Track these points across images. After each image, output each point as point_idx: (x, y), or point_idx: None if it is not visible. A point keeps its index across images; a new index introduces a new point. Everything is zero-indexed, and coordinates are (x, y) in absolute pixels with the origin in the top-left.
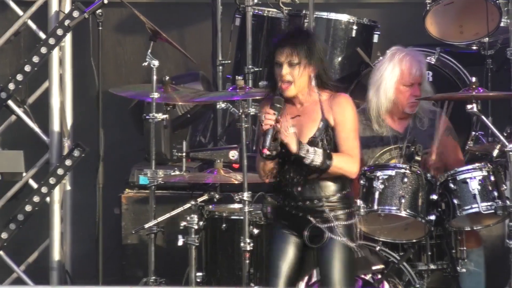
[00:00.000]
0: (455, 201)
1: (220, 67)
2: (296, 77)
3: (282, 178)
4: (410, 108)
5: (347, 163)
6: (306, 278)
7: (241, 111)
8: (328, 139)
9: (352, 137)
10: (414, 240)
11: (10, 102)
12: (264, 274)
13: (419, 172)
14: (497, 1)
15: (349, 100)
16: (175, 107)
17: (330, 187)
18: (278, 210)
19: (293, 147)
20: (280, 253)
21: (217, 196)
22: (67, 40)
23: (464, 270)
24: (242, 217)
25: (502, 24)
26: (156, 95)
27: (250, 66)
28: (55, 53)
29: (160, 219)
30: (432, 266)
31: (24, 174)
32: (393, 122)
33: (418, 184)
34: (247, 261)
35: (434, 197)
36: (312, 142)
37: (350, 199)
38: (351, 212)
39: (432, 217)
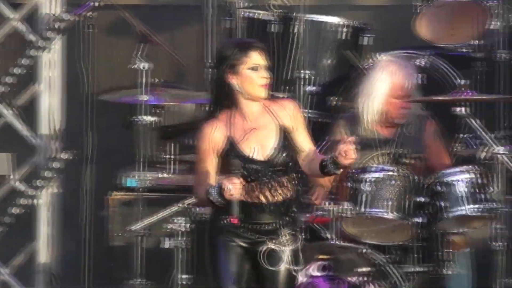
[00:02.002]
0: (442, 204)
1: (210, 70)
2: (269, 79)
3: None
4: (400, 119)
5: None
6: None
7: None
8: (288, 145)
9: (308, 135)
10: (401, 242)
11: None
12: None
13: (406, 174)
14: (488, 4)
15: (293, 101)
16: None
17: (280, 210)
18: (235, 229)
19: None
20: (234, 271)
21: None
22: (58, 43)
23: (450, 272)
24: None
25: (492, 27)
26: (145, 97)
27: None
28: (45, 55)
29: (147, 221)
30: (418, 268)
31: (11, 176)
32: (381, 128)
33: (405, 187)
34: None
35: (422, 199)
36: (278, 151)
37: (296, 221)
38: (297, 235)
39: (419, 219)
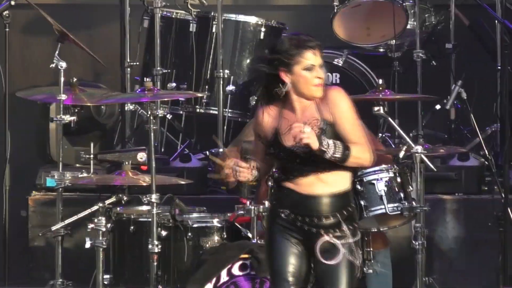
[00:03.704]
0: (362, 203)
1: (129, 69)
2: (323, 75)
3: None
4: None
5: (362, 152)
6: (214, 280)
7: (149, 113)
8: (329, 138)
9: (356, 126)
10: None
11: None
12: (172, 276)
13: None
14: (404, 4)
15: (341, 91)
16: (85, 110)
17: (338, 203)
18: (284, 222)
19: (315, 145)
20: (287, 266)
21: (125, 198)
22: None
23: (370, 271)
24: (150, 219)
25: (408, 27)
26: (63, 96)
27: (158, 68)
28: None
29: (67, 221)
30: None
31: None
32: None
33: None
34: (155, 263)
35: None
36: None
37: (355, 214)
38: (356, 228)
39: None
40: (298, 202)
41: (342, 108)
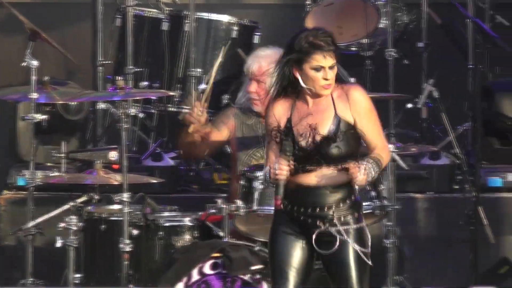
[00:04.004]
0: None
1: (101, 68)
2: (333, 78)
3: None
4: (253, 106)
5: (387, 156)
6: (185, 279)
7: (121, 111)
8: (341, 136)
9: (377, 126)
10: None
11: None
12: (143, 275)
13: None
14: (376, 3)
15: (361, 89)
16: (55, 108)
17: (338, 194)
18: (284, 215)
19: (363, 183)
20: (288, 258)
21: (96, 197)
22: None
23: None
24: (121, 218)
25: (381, 26)
26: (35, 95)
27: (130, 67)
28: None
29: (38, 220)
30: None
31: None
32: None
33: None
34: (126, 262)
35: None
36: (327, 139)
37: (357, 204)
38: (360, 216)
39: None
40: (298, 192)
41: (364, 106)
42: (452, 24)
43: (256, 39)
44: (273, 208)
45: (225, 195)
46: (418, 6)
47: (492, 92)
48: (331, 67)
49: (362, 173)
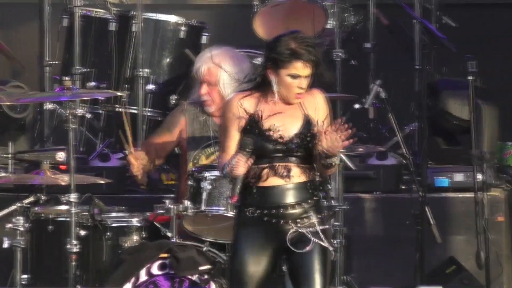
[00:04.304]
0: None
1: (48, 68)
2: (306, 86)
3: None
4: (205, 106)
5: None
6: (133, 279)
7: (68, 112)
8: (309, 135)
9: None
10: None
11: None
12: (91, 276)
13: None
14: (323, 3)
15: (324, 95)
16: (2, 109)
17: (305, 192)
18: (248, 220)
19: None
20: (253, 261)
21: (43, 198)
22: None
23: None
24: (69, 219)
25: (328, 26)
26: None
27: (78, 67)
28: None
29: None
30: None
31: None
32: (215, 115)
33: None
34: (74, 263)
35: None
36: (297, 138)
37: (321, 203)
38: (324, 217)
39: None
40: (263, 194)
41: (326, 110)
42: (398, 25)
43: (204, 39)
44: (221, 208)
45: (173, 195)
46: (365, 7)
47: (438, 90)
48: (307, 77)
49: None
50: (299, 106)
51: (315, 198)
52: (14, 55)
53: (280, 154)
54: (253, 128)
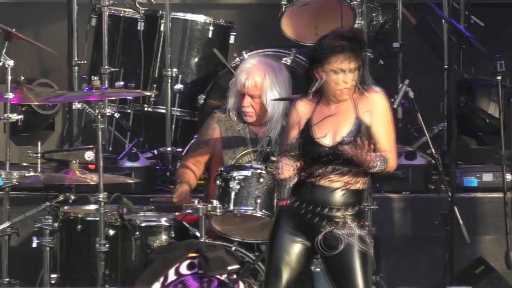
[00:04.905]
0: None
1: (76, 67)
2: (352, 82)
3: (306, 180)
4: (247, 118)
5: (394, 161)
6: (161, 279)
7: (97, 111)
8: (360, 138)
9: (390, 132)
10: None
11: None
12: (119, 275)
13: (274, 172)
14: (352, 3)
15: (382, 94)
16: (31, 108)
17: (350, 199)
18: (287, 212)
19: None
20: (285, 255)
21: (72, 197)
22: None
23: (318, 269)
24: (97, 218)
25: (356, 26)
26: (11, 95)
27: (106, 67)
28: None
29: (14, 220)
30: None
31: None
32: (253, 126)
33: (273, 185)
34: (103, 262)
35: None
36: (348, 141)
37: (363, 214)
38: (364, 224)
39: None
40: (308, 189)
41: (381, 111)
42: (427, 25)
43: (231, 39)
44: (249, 208)
45: (202, 195)
46: (394, 7)
47: (471, 88)
48: (351, 71)
49: (365, 153)
50: (352, 107)
51: (359, 206)
52: (44, 47)
53: (330, 157)
54: (304, 132)
